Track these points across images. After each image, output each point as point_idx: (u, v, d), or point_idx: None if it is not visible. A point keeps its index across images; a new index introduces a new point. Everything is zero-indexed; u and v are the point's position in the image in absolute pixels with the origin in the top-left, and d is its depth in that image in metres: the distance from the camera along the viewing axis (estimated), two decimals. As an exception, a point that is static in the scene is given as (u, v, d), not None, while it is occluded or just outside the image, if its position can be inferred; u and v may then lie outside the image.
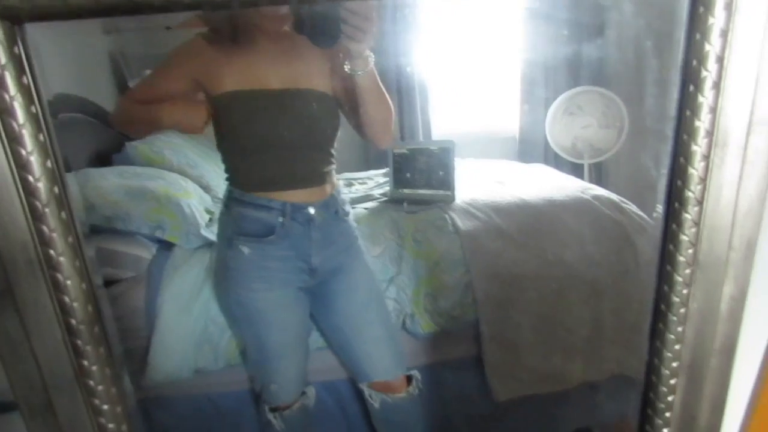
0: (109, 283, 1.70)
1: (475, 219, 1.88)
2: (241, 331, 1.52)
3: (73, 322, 0.64)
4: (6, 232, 0.60)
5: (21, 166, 0.58)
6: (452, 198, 2.04)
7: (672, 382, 0.75)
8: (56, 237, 0.61)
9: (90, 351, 0.66)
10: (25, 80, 0.57)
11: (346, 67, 1.26)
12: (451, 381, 1.79)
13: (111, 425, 0.69)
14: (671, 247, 0.69)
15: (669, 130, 0.67)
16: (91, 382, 0.67)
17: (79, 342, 0.65)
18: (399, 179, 2.20)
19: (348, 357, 1.57)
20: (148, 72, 2.90)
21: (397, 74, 3.09)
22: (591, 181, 2.62)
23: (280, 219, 1.34)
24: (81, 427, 0.68)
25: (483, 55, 3.15)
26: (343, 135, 1.45)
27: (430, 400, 1.79)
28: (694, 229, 0.68)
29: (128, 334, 1.67)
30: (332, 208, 1.42)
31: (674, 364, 0.74)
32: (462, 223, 1.85)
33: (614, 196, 1.98)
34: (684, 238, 0.68)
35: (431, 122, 3.27)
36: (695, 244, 0.68)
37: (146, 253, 1.74)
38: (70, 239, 0.63)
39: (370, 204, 2.12)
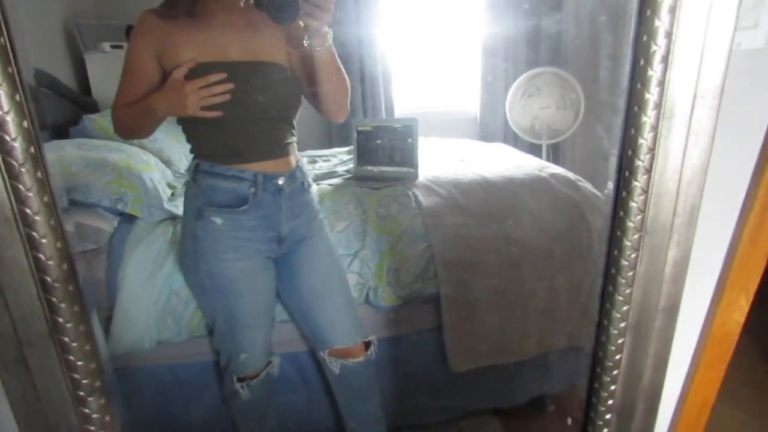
0: (68, 255, 1.68)
1: (437, 195, 1.92)
2: (211, 303, 1.51)
3: (48, 279, 0.66)
4: (-19, 190, 0.61)
5: (-4, 124, 0.59)
6: (415, 175, 2.08)
7: (620, 341, 0.81)
8: (32, 196, 0.62)
9: (65, 308, 0.67)
10: (1, 40, 0.57)
11: (305, 43, 1.28)
12: (412, 352, 1.84)
13: (85, 381, 0.71)
14: (621, 213, 0.75)
15: (621, 103, 0.72)
16: (66, 339, 0.68)
17: (53, 299, 0.66)
18: (363, 156, 2.23)
19: (310, 325, 1.60)
20: (104, 43, 2.83)
21: (360, 52, 3.10)
22: (548, 160, 2.70)
23: (252, 189, 1.36)
24: (54, 382, 0.70)
25: (445, 33, 3.19)
26: (305, 113, 1.47)
27: (391, 370, 1.85)
28: (642, 197, 0.73)
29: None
30: (299, 179, 1.45)
31: (622, 324, 0.80)
32: (424, 200, 1.89)
33: (570, 175, 2.06)
34: (633, 204, 0.73)
35: (394, 101, 3.29)
36: (643, 210, 0.74)
37: (107, 225, 1.72)
38: (46, 198, 0.64)
39: (334, 180, 2.14)
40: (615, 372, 0.82)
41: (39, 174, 0.62)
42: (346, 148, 2.72)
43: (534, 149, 3.07)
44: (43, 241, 0.64)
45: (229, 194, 1.36)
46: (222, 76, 1.24)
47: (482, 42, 3.29)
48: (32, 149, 0.61)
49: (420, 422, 1.95)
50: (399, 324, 1.83)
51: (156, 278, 1.65)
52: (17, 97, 0.59)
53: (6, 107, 0.59)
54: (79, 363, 0.69)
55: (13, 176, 0.61)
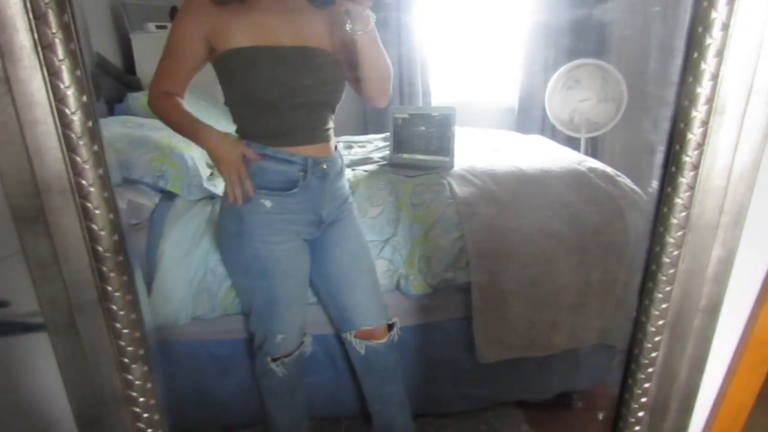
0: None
1: (471, 185, 1.92)
2: (253, 284, 1.52)
3: (100, 249, 0.68)
4: (43, 161, 0.63)
5: (59, 99, 0.61)
6: (451, 164, 2.07)
7: (657, 339, 0.80)
8: (88, 168, 0.65)
9: (114, 277, 0.70)
10: (66, 18, 0.59)
11: (348, 27, 1.29)
12: (440, 341, 1.85)
13: (129, 348, 0.73)
14: (665, 209, 0.74)
15: (670, 96, 0.71)
16: (114, 307, 0.71)
17: (104, 268, 0.69)
18: (398, 143, 2.23)
19: (337, 306, 1.63)
20: (150, 24, 2.88)
21: (399, 38, 3.09)
22: (587, 154, 2.66)
23: (302, 173, 1.39)
24: (101, 348, 0.73)
25: (486, 20, 3.16)
26: (343, 98, 1.48)
27: (419, 358, 1.86)
28: (688, 193, 0.72)
29: (128, 279, 1.71)
30: (338, 163, 1.49)
31: (660, 322, 0.79)
32: (459, 189, 1.88)
33: (609, 169, 2.02)
34: (678, 201, 0.72)
35: (431, 89, 3.27)
36: (689, 207, 0.73)
37: (149, 201, 1.77)
38: (101, 171, 0.66)
39: (369, 167, 2.15)
40: (650, 370, 0.82)
41: (95, 147, 0.65)
42: (382, 135, 2.73)
43: (572, 142, 3.03)
44: (97, 212, 0.66)
45: (280, 177, 1.38)
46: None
47: (524, 31, 3.25)
48: (90, 123, 0.63)
49: (445, 410, 1.96)
50: (429, 312, 1.83)
51: (193, 255, 1.69)
52: (78, 73, 0.61)
53: (67, 82, 0.61)
54: (125, 331, 0.72)
55: (71, 149, 0.63)
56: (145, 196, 1.77)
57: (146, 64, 2.90)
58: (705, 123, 0.69)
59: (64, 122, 0.62)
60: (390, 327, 1.65)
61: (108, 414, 0.76)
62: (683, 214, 0.73)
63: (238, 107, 1.39)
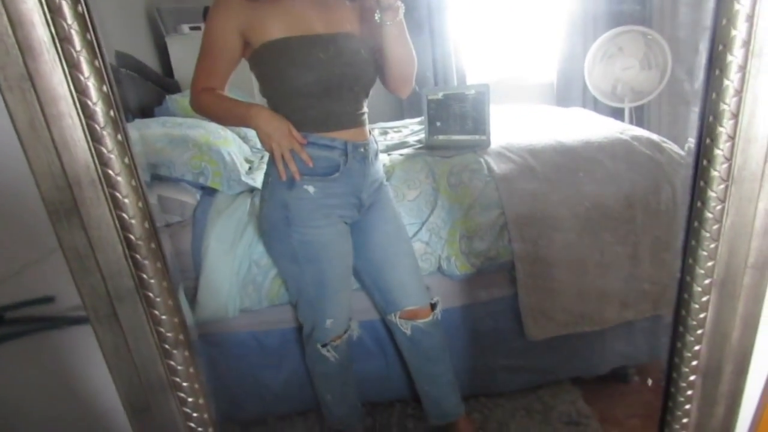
0: (156, 227, 1.78)
1: (510, 162, 1.88)
2: (301, 271, 1.51)
3: (132, 237, 0.70)
4: (71, 154, 0.65)
5: (80, 91, 0.63)
6: (487, 143, 2.04)
7: (704, 299, 0.76)
8: (114, 158, 0.66)
9: (148, 265, 0.71)
10: (80, 9, 0.61)
11: (377, 16, 1.31)
12: (487, 320, 1.83)
13: (169, 334, 0.75)
14: (705, 162, 0.70)
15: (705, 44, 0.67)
16: (150, 294, 0.72)
17: (138, 256, 0.70)
18: (433, 125, 2.21)
19: (380, 288, 1.63)
20: (184, 26, 2.94)
21: (430, 19, 3.05)
22: (632, 124, 2.57)
23: (343, 157, 1.41)
24: (142, 335, 0.74)
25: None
26: (376, 86, 1.49)
27: (467, 339, 1.84)
28: (729, 143, 0.68)
29: (179, 276, 1.76)
30: (374, 146, 1.51)
31: (706, 281, 0.75)
32: (497, 166, 1.85)
33: (654, 136, 1.95)
34: (718, 152, 0.69)
35: (466, 69, 3.22)
36: (729, 158, 0.69)
37: (191, 198, 1.81)
38: (126, 160, 0.67)
39: (405, 150, 2.14)
40: (699, 331, 0.78)
41: (119, 137, 0.66)
42: (417, 119, 2.70)
43: (616, 114, 2.93)
44: (126, 200, 0.68)
45: (322, 162, 1.40)
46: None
47: (560, 3, 3.16)
48: (112, 112, 0.64)
49: (497, 390, 1.94)
50: (474, 292, 1.82)
51: (237, 248, 1.72)
52: (96, 63, 0.62)
53: (87, 73, 0.62)
54: (164, 317, 0.74)
55: (96, 139, 0.65)
56: (187, 193, 1.81)
57: (183, 66, 2.96)
58: (742, 68, 0.65)
59: (87, 113, 0.63)
60: (433, 307, 1.65)
61: (155, 400, 0.78)
62: (725, 165, 0.69)
63: (276, 98, 1.39)
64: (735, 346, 0.79)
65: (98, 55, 0.62)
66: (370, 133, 1.50)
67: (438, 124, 2.20)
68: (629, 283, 1.81)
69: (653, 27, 2.76)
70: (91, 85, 0.63)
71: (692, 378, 0.81)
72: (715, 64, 0.65)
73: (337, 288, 1.55)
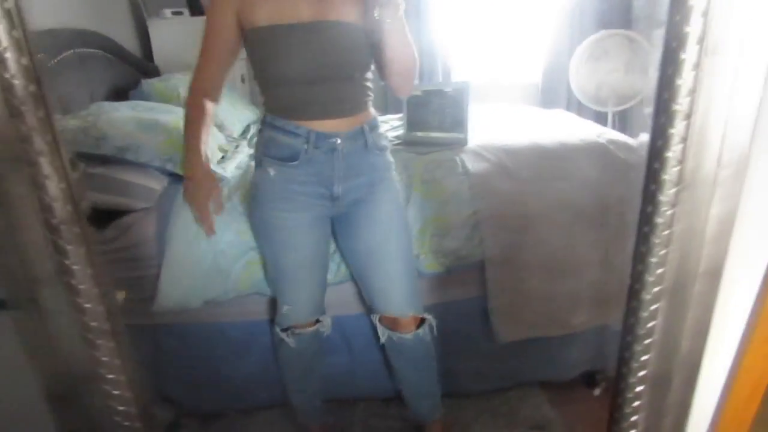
0: (122, 213, 1.74)
1: (485, 161, 1.85)
2: (262, 249, 1.59)
3: (54, 220, 0.66)
4: (-13, 129, 0.61)
5: (-5, 63, 0.59)
6: (465, 141, 2.01)
7: (653, 307, 0.74)
8: (34, 135, 0.62)
9: (71, 250, 0.68)
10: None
11: (376, 14, 1.28)
12: (456, 321, 1.80)
13: (94, 323, 0.71)
14: (657, 165, 0.67)
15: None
16: (73, 281, 0.68)
17: (59, 240, 0.67)
18: (412, 121, 2.18)
19: (364, 286, 1.61)
20: (166, 10, 2.89)
21: (417, 14, 3.02)
22: (614, 128, 2.55)
23: (305, 146, 1.38)
24: (65, 324, 0.71)
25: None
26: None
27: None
28: (681, 146, 0.65)
29: (140, 263, 1.72)
30: (360, 139, 1.43)
31: (656, 289, 0.73)
32: (472, 165, 1.82)
33: (631, 141, 1.93)
34: (669, 155, 0.66)
35: (451, 66, 3.20)
36: (682, 161, 0.66)
37: (157, 185, 1.77)
38: (49, 138, 0.63)
39: (382, 145, 2.11)
40: (648, 341, 0.75)
41: (41, 113, 0.62)
42: (399, 115, 2.67)
43: (600, 118, 2.92)
44: (47, 181, 0.64)
45: (284, 148, 1.40)
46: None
47: (547, 4, 3.13)
48: (32, 87, 0.61)
49: (464, 391, 1.91)
50: (443, 291, 1.79)
51: (201, 238, 1.68)
52: (15, 34, 0.59)
53: (5, 43, 0.58)
54: (87, 305, 0.70)
55: (15, 114, 0.61)
56: (154, 179, 1.76)
57: (163, 51, 2.92)
58: (696, 66, 0.62)
59: (4, 86, 0.59)
60: (421, 322, 1.59)
61: (78, 392, 0.75)
62: (676, 169, 0.66)
63: (258, 82, 1.42)
64: (684, 356, 0.77)
65: (17, 25, 0.59)
66: (362, 125, 1.43)
67: (417, 120, 2.17)
68: (600, 287, 1.79)
69: (638, 30, 2.75)
70: (9, 57, 0.59)
71: (640, 388, 0.79)
72: (668, 62, 0.63)
73: (292, 277, 1.52)
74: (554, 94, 3.13)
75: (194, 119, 1.44)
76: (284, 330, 1.59)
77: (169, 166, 1.76)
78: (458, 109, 2.05)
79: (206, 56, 1.41)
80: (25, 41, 0.60)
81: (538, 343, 1.82)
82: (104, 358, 0.73)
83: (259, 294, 1.74)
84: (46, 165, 0.64)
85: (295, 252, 1.48)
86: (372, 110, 1.48)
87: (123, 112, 1.83)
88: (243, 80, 3.17)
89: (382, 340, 1.61)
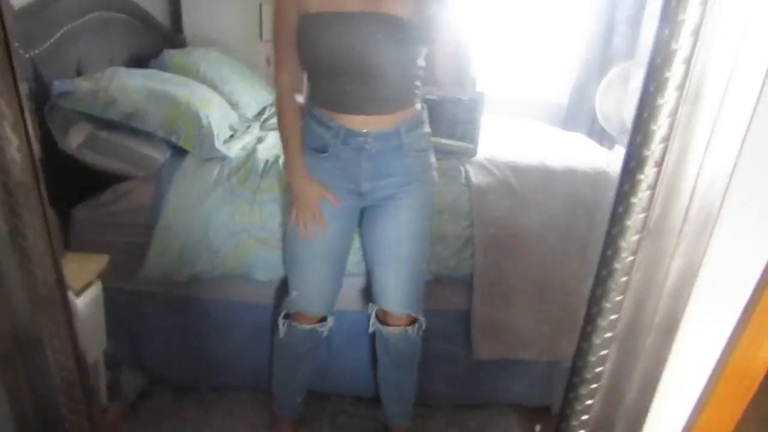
0: (122, 178, 1.75)
1: (489, 175, 1.83)
2: (285, 230, 1.60)
3: (10, 184, 0.66)
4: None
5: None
6: (473, 152, 1.99)
7: (602, 353, 0.72)
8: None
9: (26, 215, 0.68)
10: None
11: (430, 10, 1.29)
12: (436, 330, 1.78)
13: (42, 289, 0.71)
14: (621, 209, 0.65)
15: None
16: (24, 245, 0.69)
17: (15, 204, 0.67)
18: (425, 125, 2.16)
19: (371, 276, 1.60)
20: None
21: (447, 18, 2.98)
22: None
23: (334, 140, 1.38)
24: (15, 286, 0.71)
25: (542, 9, 3.02)
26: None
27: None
28: (648, 193, 0.63)
29: (132, 229, 1.73)
30: (394, 140, 1.39)
31: (607, 335, 0.71)
32: (475, 177, 1.81)
33: (640, 175, 1.89)
34: (635, 201, 0.64)
35: (477, 75, 3.15)
36: (647, 209, 0.64)
37: (160, 155, 1.78)
38: (12, 101, 0.63)
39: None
40: (593, 386, 0.73)
41: (5, 77, 0.62)
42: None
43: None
44: (6, 144, 0.64)
45: (316, 138, 1.41)
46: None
47: (581, 23, 3.08)
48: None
49: (434, 401, 1.90)
50: (428, 298, 1.77)
51: (195, 213, 1.69)
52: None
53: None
54: (37, 270, 0.70)
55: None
56: (156, 149, 1.78)
57: (193, 23, 2.93)
58: (673, 113, 0.60)
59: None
60: (411, 322, 1.58)
61: (22, 354, 0.75)
62: (641, 216, 0.64)
63: (305, 69, 1.41)
64: (629, 407, 0.74)
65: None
66: (395, 124, 1.38)
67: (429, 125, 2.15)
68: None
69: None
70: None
71: (581, 432, 0.77)
72: (644, 105, 0.61)
73: (307, 264, 1.52)
74: (578, 117, 3.07)
75: (290, 122, 1.43)
76: (286, 317, 1.58)
77: (173, 139, 1.77)
78: (471, 119, 2.03)
79: (283, 49, 1.38)
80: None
81: (516, 365, 1.80)
82: (50, 325, 0.74)
83: (245, 277, 1.75)
84: (6, 128, 0.64)
85: (312, 240, 1.48)
86: (416, 108, 1.44)
87: (136, 79, 1.84)
88: (268, 62, 3.17)
89: (370, 330, 1.63)
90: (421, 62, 1.38)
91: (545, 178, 1.86)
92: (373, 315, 1.62)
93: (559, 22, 3.15)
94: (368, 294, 1.72)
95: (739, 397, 0.86)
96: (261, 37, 2.99)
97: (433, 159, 1.52)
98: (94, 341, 1.38)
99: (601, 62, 3.01)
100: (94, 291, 1.35)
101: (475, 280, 1.72)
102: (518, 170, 1.87)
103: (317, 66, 1.37)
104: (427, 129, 1.48)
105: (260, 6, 2.96)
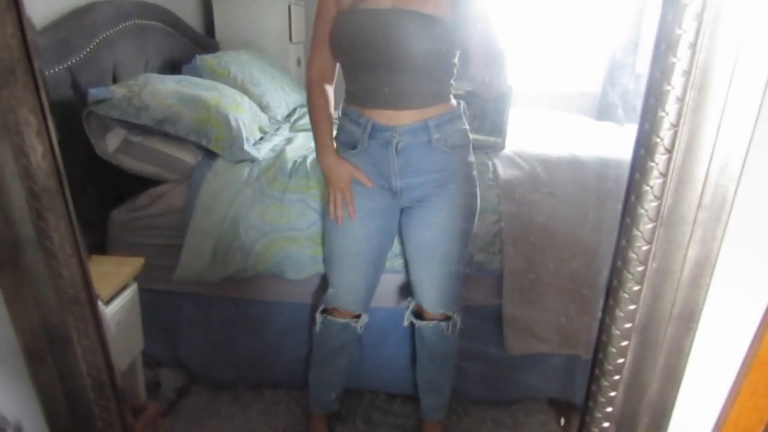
0: (156, 182, 1.81)
1: (518, 169, 1.81)
2: (324, 227, 1.62)
3: (36, 188, 0.69)
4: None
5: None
6: (502, 146, 1.97)
7: (623, 344, 0.71)
8: (19, 107, 0.65)
9: (51, 218, 0.71)
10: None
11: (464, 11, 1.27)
12: (467, 326, 1.77)
13: (70, 290, 0.75)
14: (633, 198, 0.64)
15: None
16: (51, 247, 0.72)
17: (40, 208, 0.70)
18: (453, 120, 2.15)
19: (408, 273, 1.61)
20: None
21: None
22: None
23: (363, 135, 1.39)
24: (44, 287, 0.74)
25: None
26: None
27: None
28: (660, 180, 0.62)
29: (166, 231, 1.78)
30: (422, 135, 1.38)
31: (626, 325, 0.70)
32: (503, 171, 1.79)
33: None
34: (647, 188, 0.63)
35: (508, 70, 3.12)
36: (660, 197, 0.63)
37: (191, 158, 1.82)
38: (36, 110, 0.66)
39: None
40: (616, 377, 0.72)
41: (29, 87, 0.65)
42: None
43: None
44: (31, 151, 0.67)
45: (348, 135, 1.44)
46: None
47: (612, 8, 3.01)
48: (20, 58, 0.64)
49: (470, 397, 1.89)
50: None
51: (226, 215, 1.73)
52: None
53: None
54: (64, 272, 0.74)
55: (2, 85, 0.64)
56: (188, 152, 1.82)
57: (225, 27, 2.99)
58: (681, 99, 0.58)
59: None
60: (446, 318, 1.59)
61: (52, 352, 0.79)
62: (654, 204, 0.63)
63: (341, 66, 1.45)
64: (653, 399, 0.73)
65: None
66: (424, 119, 1.37)
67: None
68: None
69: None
70: None
71: (605, 425, 0.76)
72: (652, 92, 0.59)
73: (341, 260, 1.54)
74: (612, 105, 3.01)
75: (320, 109, 1.46)
76: (323, 312, 1.61)
77: (204, 142, 1.81)
78: (499, 113, 2.01)
79: (316, 42, 1.43)
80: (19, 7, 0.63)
81: (550, 359, 1.77)
82: (78, 324, 0.77)
83: (276, 276, 1.77)
84: (31, 136, 0.67)
85: (345, 237, 1.50)
86: (450, 105, 1.42)
87: (168, 84, 1.89)
88: (299, 63, 3.21)
89: (405, 323, 1.65)
90: (454, 60, 1.37)
91: (575, 170, 1.83)
92: (410, 308, 1.63)
93: (588, 10, 3.08)
94: (403, 291, 1.73)
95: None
96: (291, 39, 3.02)
97: (472, 158, 1.49)
98: (131, 342, 1.42)
99: (633, 49, 2.94)
100: (130, 293, 1.39)
101: (504, 276, 1.71)
102: (547, 163, 1.85)
103: (348, 61, 1.39)
104: (463, 126, 1.45)
105: (289, 8, 3.00)
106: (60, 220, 0.71)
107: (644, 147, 0.61)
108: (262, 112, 2.25)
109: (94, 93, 1.68)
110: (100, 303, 0.78)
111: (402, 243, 1.60)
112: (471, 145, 1.49)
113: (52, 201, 0.70)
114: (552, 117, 2.52)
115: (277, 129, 2.27)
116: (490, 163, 1.84)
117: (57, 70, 1.64)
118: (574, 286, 1.72)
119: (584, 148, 1.95)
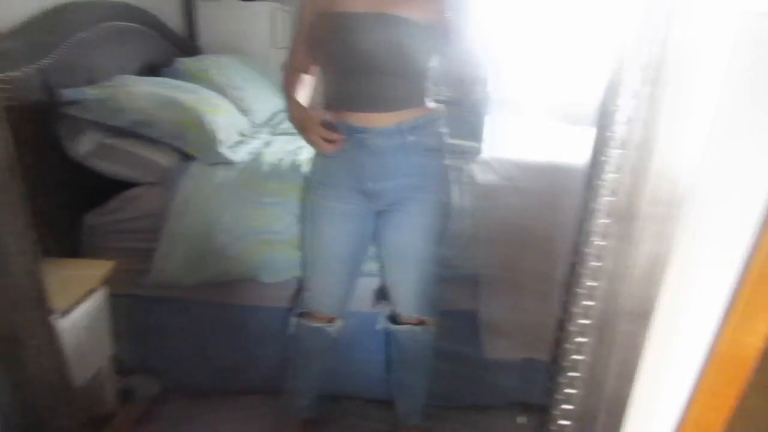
0: (130, 185, 1.79)
1: (494, 173, 1.82)
2: (302, 229, 1.60)
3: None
4: None
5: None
6: (479, 150, 1.98)
7: (579, 340, 0.70)
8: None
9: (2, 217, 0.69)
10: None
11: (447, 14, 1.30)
12: (444, 331, 1.77)
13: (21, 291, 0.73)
14: (588, 193, 0.64)
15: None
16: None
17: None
18: (432, 125, 2.15)
19: (383, 277, 1.62)
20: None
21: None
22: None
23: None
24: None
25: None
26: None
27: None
28: (613, 176, 0.62)
29: (140, 235, 1.76)
30: (397, 138, 1.38)
31: (582, 322, 0.69)
32: (479, 176, 1.79)
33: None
34: (601, 183, 0.63)
35: (488, 77, 3.13)
36: (614, 192, 0.63)
37: (166, 161, 1.81)
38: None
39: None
40: (573, 374, 0.72)
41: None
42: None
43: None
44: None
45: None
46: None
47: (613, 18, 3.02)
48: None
49: (446, 401, 1.88)
50: (434, 300, 1.76)
51: (202, 218, 1.71)
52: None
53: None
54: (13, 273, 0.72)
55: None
56: (164, 155, 1.81)
57: (209, 33, 2.98)
58: (637, 93, 0.58)
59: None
60: (420, 323, 1.59)
61: (3, 354, 0.77)
62: (607, 199, 0.63)
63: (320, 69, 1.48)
64: (610, 396, 0.73)
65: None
66: (398, 122, 1.37)
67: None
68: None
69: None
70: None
71: (564, 423, 0.75)
72: (609, 87, 0.60)
73: (315, 263, 1.54)
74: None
75: (291, 81, 1.51)
76: (299, 315, 1.61)
77: (179, 144, 1.80)
78: (476, 118, 2.02)
79: (297, 40, 1.47)
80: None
81: (528, 364, 1.77)
82: (27, 326, 0.75)
83: (252, 280, 1.76)
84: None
85: (320, 239, 1.50)
86: (425, 108, 1.43)
87: (144, 86, 1.88)
88: (282, 69, 3.20)
89: (378, 327, 1.66)
90: (430, 63, 1.38)
91: (552, 175, 1.84)
92: (385, 312, 1.63)
93: (589, 19, 3.08)
94: (379, 295, 1.73)
95: (732, 383, 0.83)
96: (274, 44, 3.03)
97: (447, 161, 1.50)
98: (98, 347, 1.40)
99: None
100: (98, 297, 1.37)
101: (481, 279, 1.71)
102: (524, 168, 1.86)
103: (324, 63, 1.41)
104: (439, 129, 1.47)
105: (273, 14, 3.00)
106: (11, 219, 0.70)
107: (599, 142, 0.61)
108: (243, 116, 2.24)
109: (67, 94, 1.66)
110: (56, 308, 0.77)
111: (377, 246, 1.59)
112: (446, 149, 1.49)
113: (2, 198, 0.69)
114: (536, 122, 2.53)
115: (258, 133, 2.26)
116: (465, 168, 1.84)
117: (25, 70, 1.60)
118: (550, 290, 1.72)
119: (563, 154, 1.96)
